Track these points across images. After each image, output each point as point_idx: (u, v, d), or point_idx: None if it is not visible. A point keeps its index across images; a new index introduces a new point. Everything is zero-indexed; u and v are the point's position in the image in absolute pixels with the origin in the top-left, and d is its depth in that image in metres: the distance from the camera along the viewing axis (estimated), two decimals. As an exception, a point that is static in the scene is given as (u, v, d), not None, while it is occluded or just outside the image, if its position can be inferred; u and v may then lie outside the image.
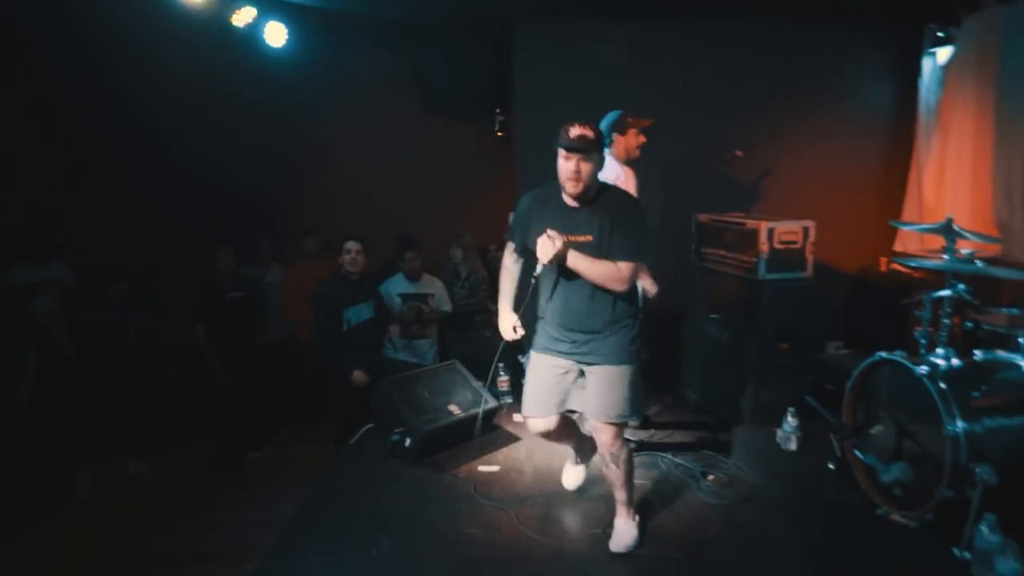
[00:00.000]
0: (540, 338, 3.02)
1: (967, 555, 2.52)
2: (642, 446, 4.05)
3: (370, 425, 4.33)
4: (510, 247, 3.15)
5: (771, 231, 3.91)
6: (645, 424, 4.27)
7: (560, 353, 2.94)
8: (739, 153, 4.93)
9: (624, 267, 2.72)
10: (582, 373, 2.97)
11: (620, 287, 2.78)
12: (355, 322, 4.76)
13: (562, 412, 3.07)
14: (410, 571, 2.91)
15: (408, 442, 3.92)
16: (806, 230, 3.96)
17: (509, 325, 3.08)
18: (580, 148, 2.63)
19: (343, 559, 2.96)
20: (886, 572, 2.70)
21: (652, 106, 4.20)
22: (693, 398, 4.71)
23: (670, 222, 4.79)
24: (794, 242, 3.95)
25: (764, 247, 3.90)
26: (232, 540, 4.14)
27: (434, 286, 5.41)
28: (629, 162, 3.93)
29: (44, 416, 4.53)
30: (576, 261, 2.70)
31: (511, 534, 3.17)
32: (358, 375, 4.61)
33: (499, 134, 6.50)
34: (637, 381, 2.92)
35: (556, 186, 2.79)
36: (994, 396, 2.78)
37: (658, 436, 4.25)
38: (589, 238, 2.75)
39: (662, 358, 5.08)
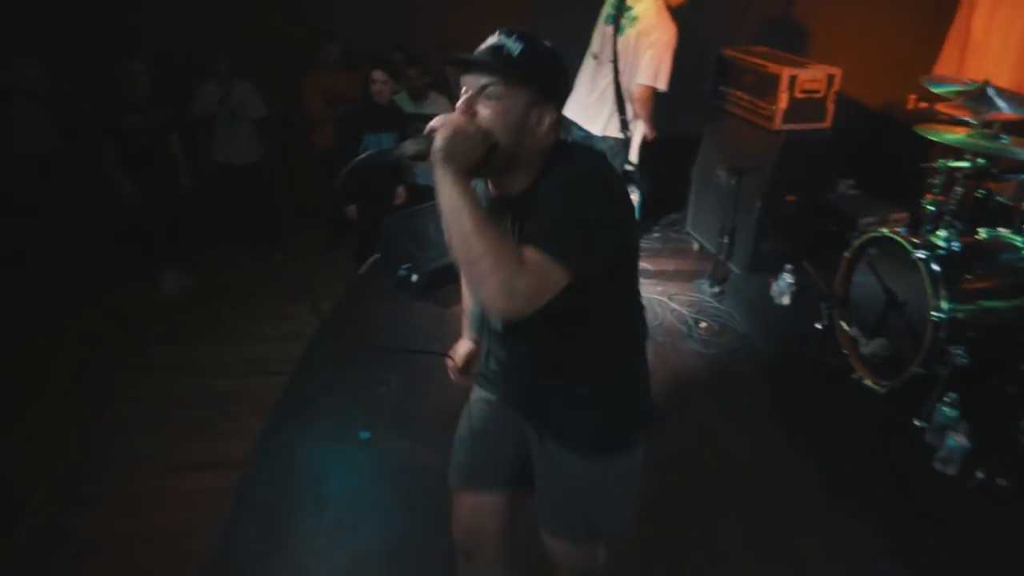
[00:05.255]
0: None
1: (925, 425, 2.74)
2: (640, 288, 4.20)
3: (377, 256, 4.46)
4: None
5: (793, 79, 3.69)
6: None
7: None
8: None
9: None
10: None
11: None
12: (372, 150, 4.63)
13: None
14: (414, 409, 3.20)
15: (415, 278, 4.07)
16: (830, 78, 3.74)
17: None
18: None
19: (356, 395, 3.26)
20: (848, 432, 2.94)
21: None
22: (697, 239, 4.76)
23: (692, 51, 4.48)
24: (816, 91, 3.74)
25: (784, 95, 3.71)
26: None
27: (439, 104, 5.19)
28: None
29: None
30: None
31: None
32: (351, 209, 4.62)
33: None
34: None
35: None
36: (987, 279, 2.82)
37: (656, 276, 4.40)
38: None
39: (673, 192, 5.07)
